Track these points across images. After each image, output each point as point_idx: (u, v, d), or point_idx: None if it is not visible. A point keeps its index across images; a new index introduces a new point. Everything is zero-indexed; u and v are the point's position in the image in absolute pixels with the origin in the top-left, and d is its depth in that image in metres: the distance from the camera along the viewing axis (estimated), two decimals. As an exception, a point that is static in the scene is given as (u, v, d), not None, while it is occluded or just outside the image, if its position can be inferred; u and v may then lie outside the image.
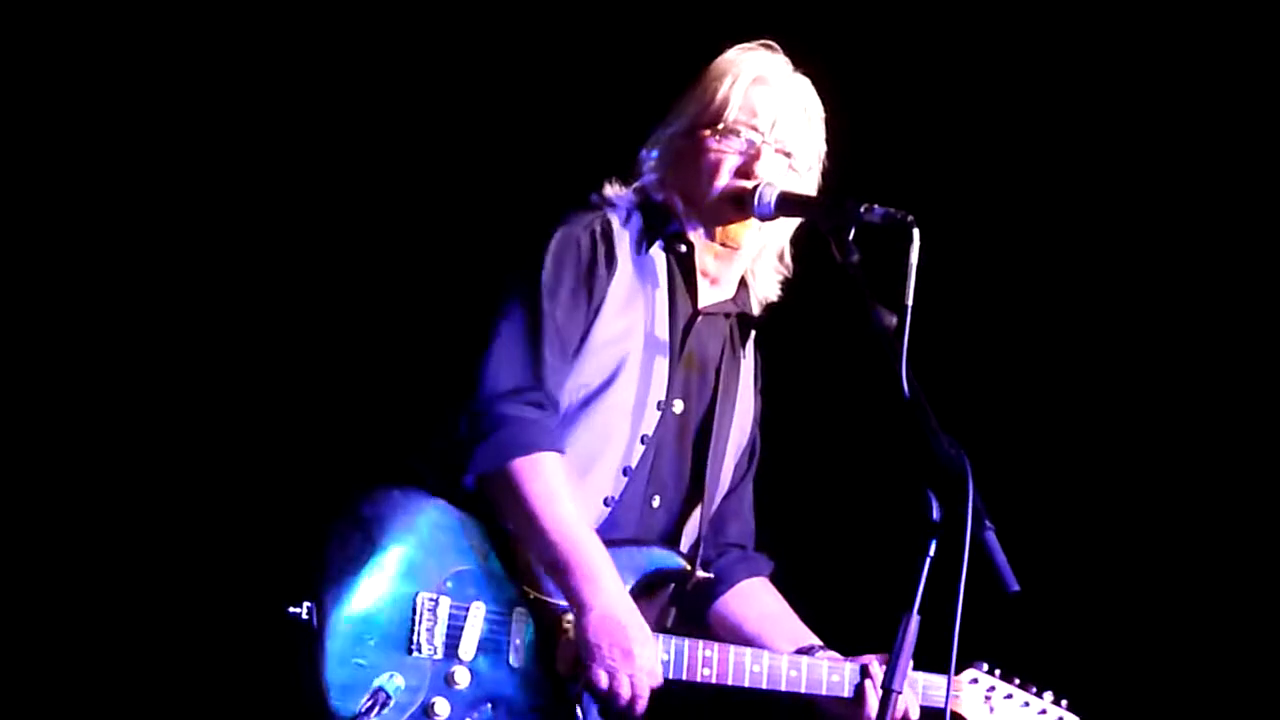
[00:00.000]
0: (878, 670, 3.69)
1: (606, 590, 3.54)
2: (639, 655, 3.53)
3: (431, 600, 3.56)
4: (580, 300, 3.66)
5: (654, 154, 3.82)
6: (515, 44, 5.11)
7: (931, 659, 3.47)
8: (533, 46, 5.10)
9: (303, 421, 4.96)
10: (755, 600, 3.95)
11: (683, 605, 3.81)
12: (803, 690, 3.70)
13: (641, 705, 3.56)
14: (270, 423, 5.00)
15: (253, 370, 5.03)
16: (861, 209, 3.46)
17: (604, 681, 3.54)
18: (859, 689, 3.71)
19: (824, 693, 3.71)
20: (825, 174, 3.84)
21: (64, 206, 4.97)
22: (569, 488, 3.57)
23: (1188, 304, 5.12)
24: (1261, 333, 5.09)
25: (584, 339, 3.67)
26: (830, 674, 3.72)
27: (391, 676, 3.51)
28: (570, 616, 3.57)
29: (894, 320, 3.28)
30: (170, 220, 5.02)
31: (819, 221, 3.56)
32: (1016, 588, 3.14)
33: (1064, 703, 3.84)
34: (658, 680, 3.57)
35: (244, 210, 5.05)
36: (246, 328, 5.04)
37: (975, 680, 3.81)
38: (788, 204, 3.68)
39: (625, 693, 3.54)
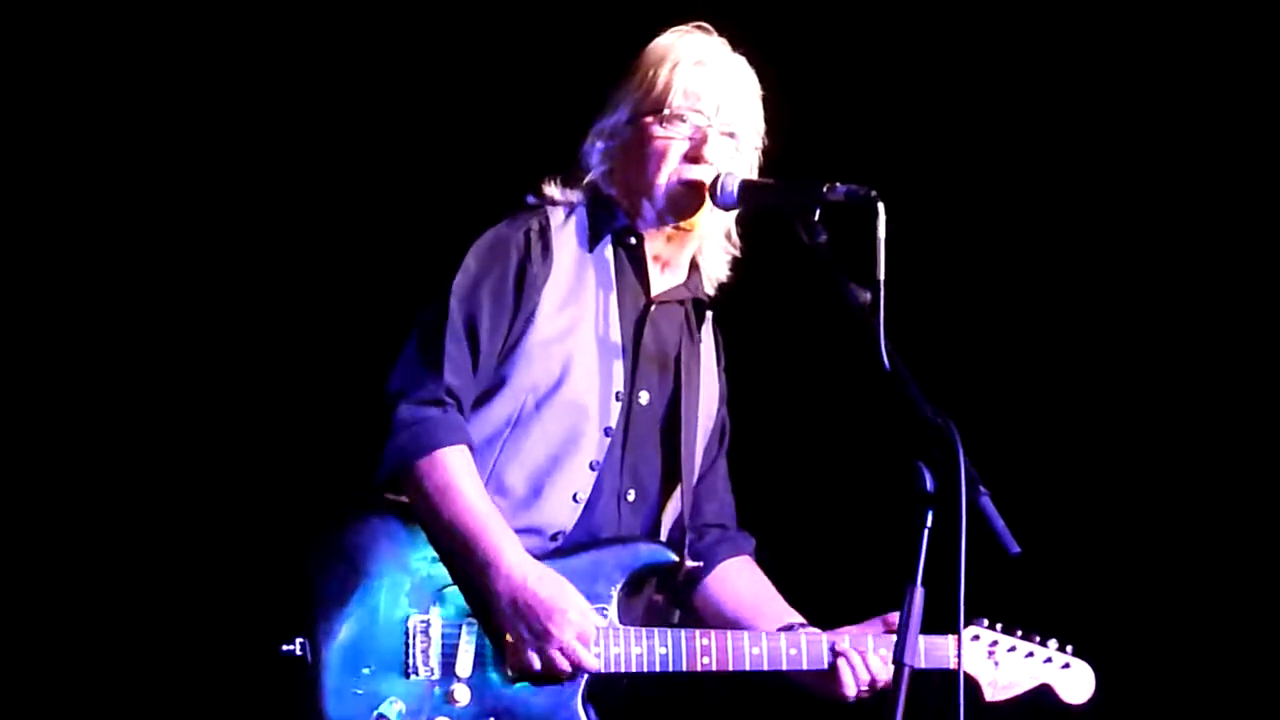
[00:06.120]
0: (847, 646, 3.69)
1: (506, 572, 3.50)
2: (558, 625, 3.50)
3: (423, 622, 3.55)
4: (504, 299, 3.63)
5: (598, 146, 3.77)
6: (442, 45, 5.03)
7: (935, 625, 3.48)
8: (460, 46, 5.03)
9: (274, 460, 4.89)
10: (737, 581, 3.93)
11: (668, 592, 3.80)
12: (804, 666, 3.70)
13: (589, 663, 3.53)
14: (241, 463, 4.93)
15: (227, 404, 4.96)
16: (825, 189, 3.45)
17: (537, 664, 3.51)
18: (832, 665, 3.70)
19: (825, 667, 3.70)
20: (765, 151, 3.81)
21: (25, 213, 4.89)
22: (469, 480, 3.54)
23: (1156, 251, 5.10)
24: (1243, 277, 5.08)
25: (521, 340, 3.64)
26: (826, 650, 3.72)
27: (392, 703, 3.52)
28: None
29: (868, 296, 3.28)
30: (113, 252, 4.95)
31: (784, 205, 3.54)
32: (1017, 550, 3.15)
33: (1069, 648, 3.86)
34: (589, 636, 3.53)
35: (196, 241, 4.98)
36: (223, 361, 4.97)
37: (977, 637, 3.82)
38: (750, 191, 3.67)
39: (565, 666, 3.52)
